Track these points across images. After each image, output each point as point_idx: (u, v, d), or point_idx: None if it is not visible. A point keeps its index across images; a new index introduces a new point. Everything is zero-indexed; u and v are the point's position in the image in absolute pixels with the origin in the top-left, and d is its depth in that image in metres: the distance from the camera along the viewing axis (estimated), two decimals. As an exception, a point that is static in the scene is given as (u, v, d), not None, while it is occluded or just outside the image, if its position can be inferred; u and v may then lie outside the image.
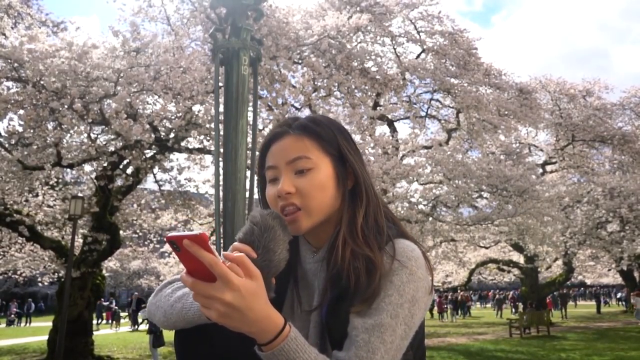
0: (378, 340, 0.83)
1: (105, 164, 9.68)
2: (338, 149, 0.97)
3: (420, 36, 12.45)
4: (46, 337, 11.17)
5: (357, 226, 0.93)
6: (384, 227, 0.94)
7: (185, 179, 10.82)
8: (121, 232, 11.56)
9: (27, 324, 26.68)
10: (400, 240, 0.93)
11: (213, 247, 0.72)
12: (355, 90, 10.27)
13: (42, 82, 7.38)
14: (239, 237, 0.87)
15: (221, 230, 3.42)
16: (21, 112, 7.84)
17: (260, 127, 8.91)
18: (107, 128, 8.63)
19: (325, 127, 0.98)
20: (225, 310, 0.72)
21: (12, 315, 26.77)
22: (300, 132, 0.96)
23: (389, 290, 0.86)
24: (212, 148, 8.83)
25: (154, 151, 9.35)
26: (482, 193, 13.46)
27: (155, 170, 10.21)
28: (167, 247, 17.84)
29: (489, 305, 39.20)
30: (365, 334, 0.83)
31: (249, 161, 3.63)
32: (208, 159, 10.68)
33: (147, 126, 7.85)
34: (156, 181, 11.01)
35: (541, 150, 19.70)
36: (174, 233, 0.72)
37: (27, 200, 10.73)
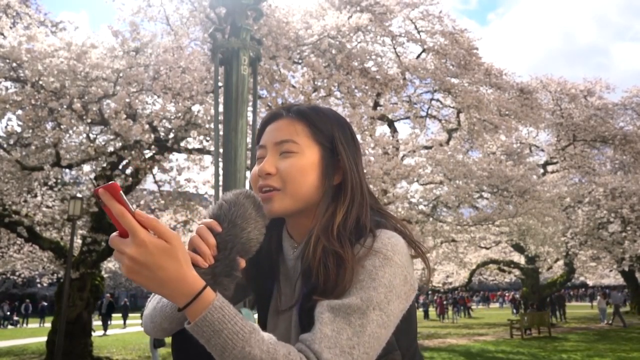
0: (343, 321, 0.78)
1: (105, 165, 9.64)
2: (331, 140, 0.95)
3: (420, 36, 12.41)
4: (45, 339, 11.13)
5: (335, 224, 0.90)
6: (366, 228, 0.89)
7: (184, 180, 10.74)
8: (120, 232, 11.49)
9: (25, 325, 26.64)
10: (381, 230, 0.90)
11: (126, 200, 0.71)
12: (355, 90, 10.21)
13: (40, 82, 7.34)
14: (207, 213, 0.87)
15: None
16: (20, 112, 7.81)
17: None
18: (106, 128, 8.60)
19: (323, 116, 0.97)
20: (131, 264, 0.71)
21: (14, 319, 26.78)
22: (294, 117, 0.96)
23: (360, 275, 0.83)
24: (212, 148, 8.79)
25: (153, 151, 9.30)
26: (483, 193, 13.42)
27: (155, 170, 10.16)
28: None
29: (492, 305, 39.13)
30: (330, 313, 0.80)
31: (248, 161, 3.59)
32: (208, 159, 10.63)
33: (147, 126, 7.80)
34: (155, 182, 10.96)
35: (542, 150, 19.66)
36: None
37: (25, 201, 10.68)
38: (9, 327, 26.13)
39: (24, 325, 26.70)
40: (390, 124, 12.97)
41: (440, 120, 14.52)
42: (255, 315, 1.14)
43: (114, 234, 0.75)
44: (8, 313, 26.97)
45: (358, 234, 0.89)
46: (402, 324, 0.86)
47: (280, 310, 0.96)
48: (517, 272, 21.66)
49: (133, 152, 8.77)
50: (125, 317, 24.87)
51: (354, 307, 0.80)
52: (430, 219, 12.78)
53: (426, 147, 12.64)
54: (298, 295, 0.91)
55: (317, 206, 0.94)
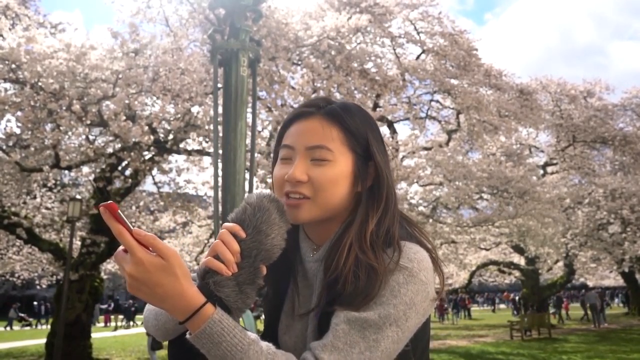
0: (358, 335, 0.78)
1: (104, 166, 9.63)
2: (366, 147, 0.91)
3: (420, 37, 12.41)
4: (44, 340, 11.11)
5: (367, 231, 0.87)
6: (396, 237, 0.87)
7: (184, 181, 10.74)
8: (120, 234, 11.48)
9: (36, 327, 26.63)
10: (406, 243, 0.87)
11: (125, 218, 0.73)
12: (355, 92, 10.20)
13: (40, 84, 7.34)
14: (231, 217, 0.84)
15: (219, 233, 3.37)
16: (19, 113, 7.80)
17: (259, 128, 8.87)
18: (105, 130, 8.59)
19: (357, 120, 0.92)
20: (130, 281, 0.74)
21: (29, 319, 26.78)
22: (329, 119, 0.90)
23: (382, 290, 0.82)
24: (211, 150, 8.78)
25: (153, 153, 9.30)
26: (483, 194, 13.41)
27: (154, 172, 10.16)
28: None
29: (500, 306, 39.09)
30: (346, 325, 0.79)
31: (248, 163, 3.58)
32: (207, 160, 10.63)
33: (146, 128, 7.80)
34: (155, 183, 10.96)
35: (542, 151, 19.67)
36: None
37: (25, 203, 10.68)
38: (25, 328, 26.08)
39: (39, 326, 26.60)
40: (390, 125, 12.96)
41: (439, 122, 14.51)
42: (251, 316, 1.11)
43: (120, 249, 0.76)
44: (20, 315, 26.92)
45: (386, 244, 0.87)
46: (417, 333, 0.86)
47: (297, 311, 0.94)
48: (517, 273, 21.63)
49: (132, 154, 8.76)
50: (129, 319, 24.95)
51: (370, 322, 0.79)
52: (430, 220, 12.77)
53: (426, 148, 12.64)
54: (318, 300, 0.88)
55: (343, 212, 0.91)
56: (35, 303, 31.38)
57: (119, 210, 0.73)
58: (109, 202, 0.73)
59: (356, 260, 0.84)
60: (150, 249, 0.74)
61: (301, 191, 0.88)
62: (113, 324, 25.39)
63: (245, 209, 0.83)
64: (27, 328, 26.06)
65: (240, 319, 0.92)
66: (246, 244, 0.80)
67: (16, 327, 25.88)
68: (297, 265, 0.97)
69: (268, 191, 0.88)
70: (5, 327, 25.57)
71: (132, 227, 0.73)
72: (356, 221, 0.88)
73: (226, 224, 0.82)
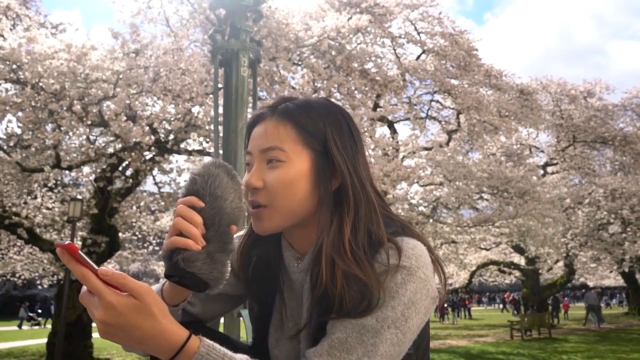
0: (355, 341, 0.74)
1: (105, 166, 9.65)
2: (323, 142, 0.85)
3: (420, 37, 12.43)
4: (45, 340, 11.12)
5: (345, 239, 0.80)
6: (382, 238, 0.81)
7: (184, 181, 10.74)
8: (120, 234, 11.52)
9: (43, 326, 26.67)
10: (402, 239, 0.81)
11: (87, 259, 0.67)
12: (355, 92, 10.21)
13: (40, 84, 7.35)
14: (182, 191, 0.80)
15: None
16: (20, 114, 7.81)
17: (260, 128, 8.86)
18: (106, 130, 8.61)
19: (313, 115, 0.86)
20: (103, 327, 0.68)
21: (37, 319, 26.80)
22: (281, 118, 0.85)
23: (380, 292, 0.78)
24: (212, 150, 8.79)
25: (154, 153, 9.31)
26: (483, 195, 13.43)
27: (155, 172, 10.17)
28: (166, 249, 17.72)
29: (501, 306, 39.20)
30: (342, 333, 0.75)
31: (248, 163, 3.59)
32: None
33: (147, 128, 7.81)
34: (155, 183, 10.97)
35: (542, 151, 19.68)
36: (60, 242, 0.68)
37: (25, 203, 10.70)
38: (34, 327, 26.11)
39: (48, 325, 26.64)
40: (390, 125, 12.97)
41: (440, 122, 14.53)
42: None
43: (84, 290, 0.70)
44: (29, 314, 26.93)
45: (373, 249, 0.80)
46: (418, 336, 0.82)
47: (286, 323, 0.91)
48: (517, 273, 21.65)
49: (133, 154, 8.77)
50: None
51: (368, 327, 0.75)
52: (431, 220, 12.80)
53: (426, 149, 12.66)
54: (309, 318, 0.83)
55: (315, 215, 0.85)
56: (38, 303, 31.41)
57: (80, 251, 0.66)
58: (67, 243, 0.66)
59: (344, 275, 0.78)
60: (122, 288, 0.68)
61: (257, 200, 0.84)
62: None
63: (195, 180, 0.79)
64: (36, 327, 26.10)
65: (241, 320, 0.92)
66: (207, 212, 0.77)
67: (25, 327, 25.92)
68: (282, 275, 0.93)
69: (211, 158, 0.85)
70: (17, 325, 25.61)
71: (96, 268, 0.67)
72: (331, 230, 0.82)
73: (181, 199, 0.78)
